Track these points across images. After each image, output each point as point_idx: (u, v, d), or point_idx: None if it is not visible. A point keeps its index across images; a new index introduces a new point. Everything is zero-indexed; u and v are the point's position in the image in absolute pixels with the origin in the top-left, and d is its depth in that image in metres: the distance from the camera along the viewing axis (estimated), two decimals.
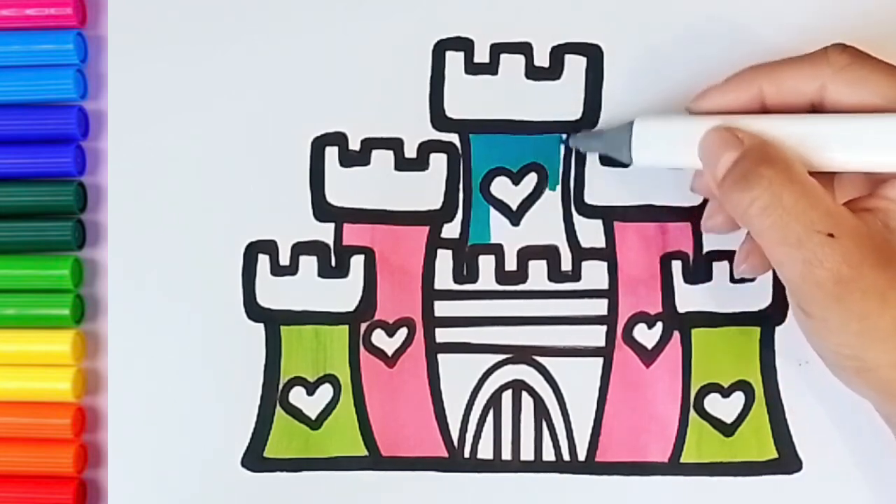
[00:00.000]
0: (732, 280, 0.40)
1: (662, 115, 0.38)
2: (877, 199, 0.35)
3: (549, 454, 0.40)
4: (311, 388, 0.41)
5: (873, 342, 0.33)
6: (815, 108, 0.36)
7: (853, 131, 0.35)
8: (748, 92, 0.36)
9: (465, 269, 0.41)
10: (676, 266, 0.40)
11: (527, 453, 0.40)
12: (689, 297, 0.40)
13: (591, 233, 0.40)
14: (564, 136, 0.40)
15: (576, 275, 0.40)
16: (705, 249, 0.40)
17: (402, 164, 0.40)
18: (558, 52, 0.40)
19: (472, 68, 0.40)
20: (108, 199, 0.41)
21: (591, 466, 0.40)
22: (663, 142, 0.37)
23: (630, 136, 0.37)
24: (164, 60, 0.41)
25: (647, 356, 0.40)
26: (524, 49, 0.40)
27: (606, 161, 0.40)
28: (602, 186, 0.40)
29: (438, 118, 0.40)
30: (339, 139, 0.41)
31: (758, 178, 0.34)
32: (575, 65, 0.40)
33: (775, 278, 0.40)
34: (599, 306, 0.40)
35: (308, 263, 0.41)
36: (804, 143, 0.35)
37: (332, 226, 0.41)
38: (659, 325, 0.40)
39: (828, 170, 0.35)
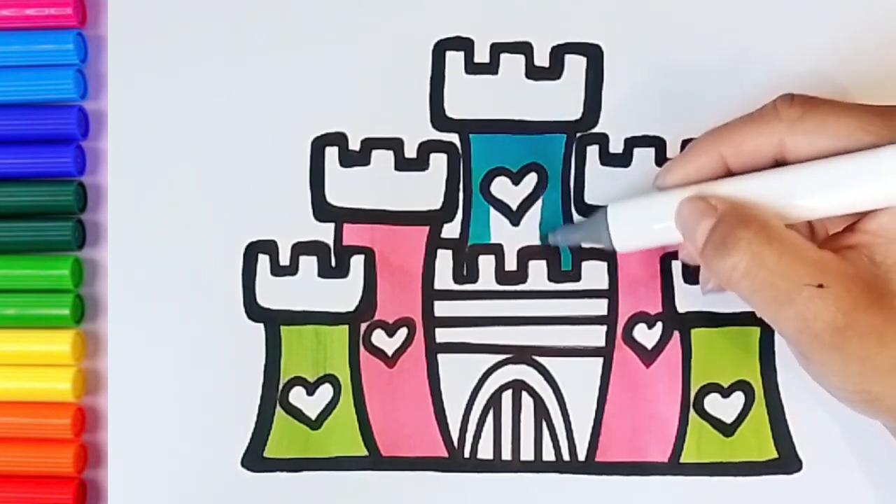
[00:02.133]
0: None
1: (632, 197, 0.38)
2: (858, 234, 0.35)
3: (549, 454, 0.40)
4: (311, 388, 0.41)
5: (877, 378, 0.33)
6: (780, 162, 0.36)
7: (820, 178, 0.34)
8: (710, 159, 0.36)
9: (465, 269, 0.41)
10: (676, 266, 0.40)
11: (527, 453, 0.40)
12: (689, 297, 0.40)
13: None
14: (544, 235, 0.40)
15: (576, 275, 0.40)
16: None
17: (402, 164, 0.40)
18: (558, 52, 0.40)
19: (472, 68, 0.40)
20: (108, 199, 0.41)
21: (591, 466, 0.40)
22: (640, 224, 0.37)
23: (606, 224, 0.37)
24: (164, 60, 0.41)
25: (647, 356, 0.40)
26: (524, 49, 0.40)
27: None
28: (602, 186, 0.40)
29: (438, 118, 0.41)
30: (339, 139, 0.41)
31: (736, 242, 0.33)
32: (575, 65, 0.40)
33: None
34: (599, 306, 0.40)
35: (308, 263, 0.41)
36: (776, 197, 0.35)
37: (332, 226, 0.41)
38: (659, 325, 0.40)
39: (804, 219, 0.35)
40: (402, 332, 0.41)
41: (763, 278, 0.33)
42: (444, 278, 0.41)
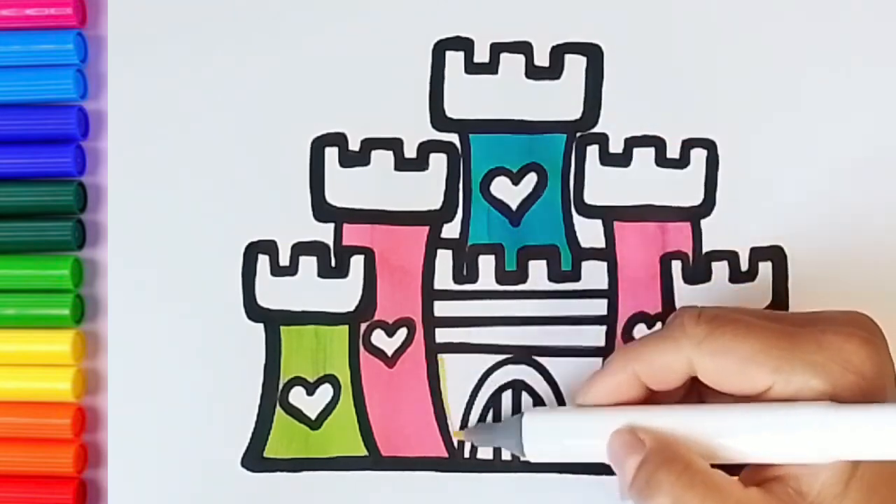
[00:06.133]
0: (732, 280, 0.40)
1: (551, 409, 0.39)
2: (784, 464, 0.34)
3: None
4: (311, 389, 0.41)
5: None
6: (694, 379, 0.35)
7: (743, 426, 0.34)
8: (626, 377, 0.36)
9: (465, 269, 0.41)
10: (676, 266, 0.40)
11: None
12: (688, 298, 0.40)
13: (590, 233, 0.40)
14: (459, 433, 0.40)
15: (576, 275, 0.40)
16: (705, 249, 0.40)
17: (402, 164, 0.40)
18: (558, 52, 0.40)
19: (472, 68, 0.40)
20: (108, 199, 0.41)
21: (591, 466, 0.40)
22: (553, 436, 0.37)
23: (521, 432, 0.37)
24: (164, 60, 0.41)
25: None
26: (524, 49, 0.40)
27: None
28: (602, 186, 0.40)
29: (438, 118, 0.40)
30: (338, 139, 0.41)
31: (658, 485, 0.33)
32: (575, 65, 0.40)
33: (775, 277, 0.40)
34: (599, 306, 0.40)
35: (308, 263, 0.41)
36: (702, 436, 0.35)
37: (331, 226, 0.41)
38: (659, 325, 0.40)
39: (728, 462, 0.35)
40: (402, 332, 0.41)
41: None
42: (444, 278, 0.41)
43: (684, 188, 0.40)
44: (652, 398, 0.36)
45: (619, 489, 0.36)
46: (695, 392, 0.37)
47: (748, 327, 0.34)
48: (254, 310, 0.41)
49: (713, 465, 0.34)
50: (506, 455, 0.40)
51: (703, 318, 0.35)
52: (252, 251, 0.41)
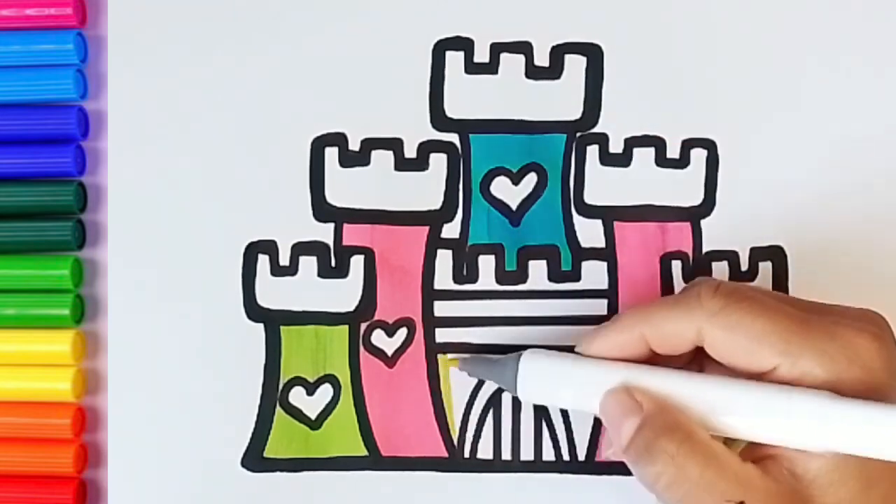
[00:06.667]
0: (732, 280, 0.40)
1: (551, 353, 0.38)
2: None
3: (548, 454, 0.40)
4: (311, 388, 0.41)
5: None
6: (699, 349, 0.35)
7: (741, 403, 0.34)
8: (632, 336, 0.36)
9: (465, 269, 0.41)
10: (676, 266, 0.40)
11: (527, 453, 0.40)
12: None
13: (591, 233, 0.40)
14: (457, 360, 0.40)
15: (576, 275, 0.40)
16: (705, 249, 0.40)
17: (402, 164, 0.40)
18: (558, 52, 0.40)
19: (472, 68, 0.40)
20: (108, 199, 0.41)
21: (591, 466, 0.40)
22: (549, 381, 0.37)
23: (517, 371, 0.37)
24: (164, 60, 0.41)
25: None
26: (524, 49, 0.40)
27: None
28: (602, 186, 0.40)
29: (438, 118, 0.40)
30: (338, 139, 0.41)
31: (660, 453, 0.33)
32: (575, 65, 0.40)
33: (775, 277, 0.40)
34: (599, 306, 0.40)
35: (308, 263, 0.41)
36: (700, 406, 0.35)
37: (331, 226, 0.41)
38: None
39: (724, 435, 0.35)
40: (402, 332, 0.41)
41: (686, 490, 0.33)
42: (444, 278, 0.41)
43: (684, 188, 0.40)
44: (653, 360, 0.36)
45: (606, 446, 0.36)
46: (697, 361, 0.37)
47: (763, 306, 0.34)
48: (254, 310, 0.41)
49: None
50: (506, 455, 0.40)
51: (721, 291, 0.35)
52: (252, 251, 0.41)
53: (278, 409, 0.41)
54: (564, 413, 0.40)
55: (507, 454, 0.40)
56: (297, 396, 0.41)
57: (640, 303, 0.40)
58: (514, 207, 0.40)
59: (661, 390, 0.35)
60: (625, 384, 0.35)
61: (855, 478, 0.33)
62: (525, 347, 0.40)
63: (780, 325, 0.34)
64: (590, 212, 0.40)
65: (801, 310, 0.35)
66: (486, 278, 0.41)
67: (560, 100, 0.40)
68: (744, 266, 0.40)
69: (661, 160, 0.40)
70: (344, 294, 0.41)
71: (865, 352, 0.34)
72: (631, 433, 0.34)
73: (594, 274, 0.40)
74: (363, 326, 0.41)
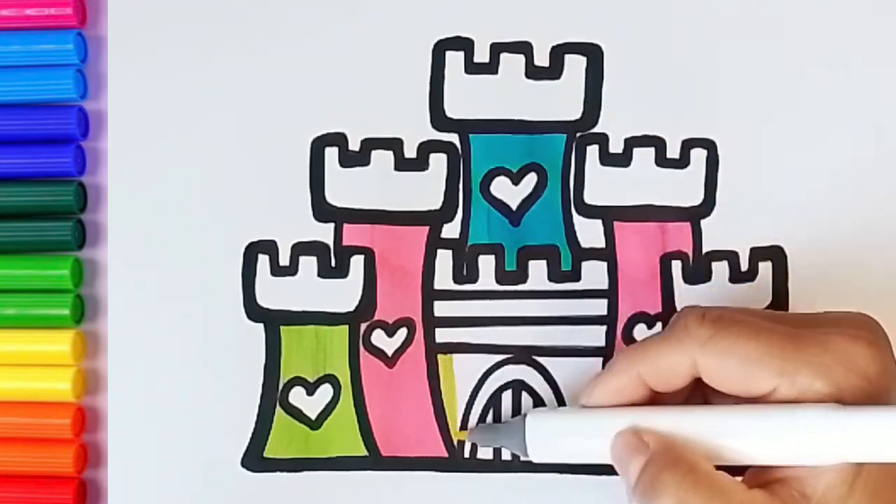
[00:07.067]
0: (732, 280, 0.40)
1: (554, 410, 0.39)
2: (786, 467, 0.34)
3: None
4: (311, 389, 0.41)
5: None
6: (699, 382, 0.35)
7: (746, 428, 0.34)
8: (630, 379, 0.36)
9: (465, 269, 0.41)
10: (676, 266, 0.40)
11: None
12: (688, 298, 0.40)
13: (590, 233, 0.40)
14: (462, 433, 0.40)
15: (576, 275, 0.40)
16: (705, 250, 0.40)
17: (402, 164, 0.40)
18: (558, 52, 0.40)
19: (472, 68, 0.40)
20: (108, 199, 0.41)
21: (591, 466, 0.40)
22: (557, 438, 0.37)
23: (524, 433, 0.37)
24: (164, 60, 0.41)
25: None
26: (524, 49, 0.40)
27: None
28: (602, 186, 0.40)
29: (438, 118, 0.40)
30: (338, 139, 0.41)
31: (663, 486, 0.33)
32: (575, 65, 0.40)
33: (775, 277, 0.40)
34: (599, 306, 0.40)
35: (308, 263, 0.41)
36: (706, 437, 0.34)
37: (331, 226, 0.41)
38: (659, 325, 0.40)
39: (732, 463, 0.35)
40: (402, 332, 0.41)
41: None
42: (443, 278, 0.41)
43: (684, 188, 0.40)
44: (656, 399, 0.36)
45: (625, 491, 0.36)
46: (699, 393, 0.37)
47: (752, 328, 0.34)
48: (254, 310, 0.41)
49: (717, 467, 0.34)
50: (506, 455, 0.40)
51: (708, 318, 0.35)
52: (252, 251, 0.41)
53: (278, 409, 0.41)
54: None
55: (507, 454, 0.40)
56: (297, 396, 0.41)
57: (639, 304, 0.40)
58: (514, 207, 0.40)
59: (666, 428, 0.35)
60: (632, 426, 0.35)
61: (861, 489, 0.33)
62: (525, 347, 0.40)
63: (773, 344, 0.34)
64: (590, 212, 0.40)
65: (791, 325, 0.35)
66: (486, 278, 0.41)
67: (560, 100, 0.40)
68: (744, 266, 0.40)
69: (661, 160, 0.40)
70: (344, 294, 0.41)
71: (861, 358, 0.33)
72: (638, 471, 0.34)
73: (594, 274, 0.40)
74: (363, 326, 0.41)
